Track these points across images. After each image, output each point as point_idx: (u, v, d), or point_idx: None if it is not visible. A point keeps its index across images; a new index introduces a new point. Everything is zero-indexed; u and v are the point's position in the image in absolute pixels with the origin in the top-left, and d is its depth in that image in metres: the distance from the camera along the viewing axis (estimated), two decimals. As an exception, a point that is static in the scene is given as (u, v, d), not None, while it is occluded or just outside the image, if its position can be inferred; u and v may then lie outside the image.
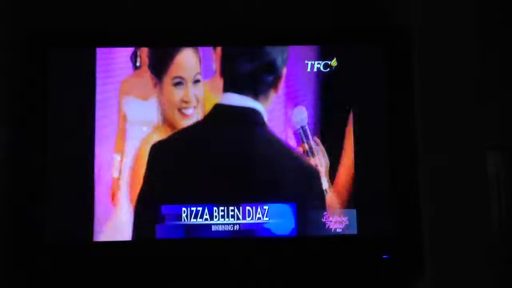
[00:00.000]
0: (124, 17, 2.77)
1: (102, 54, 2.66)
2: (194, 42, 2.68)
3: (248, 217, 2.60)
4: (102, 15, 2.77)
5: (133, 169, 2.58)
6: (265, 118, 2.64)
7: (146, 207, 2.58)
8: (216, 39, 2.70)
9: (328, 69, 2.70)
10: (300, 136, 2.59)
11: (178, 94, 2.63)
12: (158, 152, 2.58)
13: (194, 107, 2.62)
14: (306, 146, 2.56)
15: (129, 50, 2.67)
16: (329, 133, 2.65)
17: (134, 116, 2.62)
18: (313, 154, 2.55)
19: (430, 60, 2.58)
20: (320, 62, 2.71)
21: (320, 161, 2.56)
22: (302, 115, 2.59)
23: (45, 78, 2.63)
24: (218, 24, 2.78)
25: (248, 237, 2.59)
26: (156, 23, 2.77)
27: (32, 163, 2.57)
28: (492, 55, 2.92)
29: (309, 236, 2.60)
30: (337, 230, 2.62)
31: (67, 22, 2.75)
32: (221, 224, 2.59)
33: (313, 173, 2.58)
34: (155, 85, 2.63)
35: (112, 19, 2.77)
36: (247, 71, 2.62)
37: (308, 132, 2.55)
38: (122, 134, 2.57)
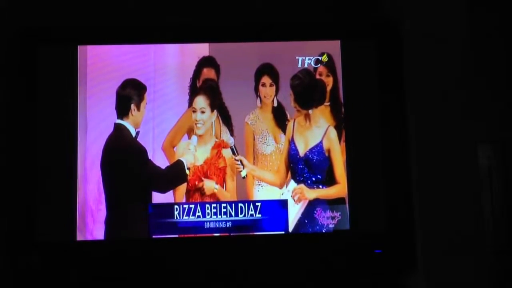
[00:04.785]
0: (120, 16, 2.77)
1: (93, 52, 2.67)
2: (185, 39, 2.71)
3: (241, 213, 2.61)
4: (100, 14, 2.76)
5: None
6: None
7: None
8: (206, 35, 2.71)
9: (319, 65, 2.72)
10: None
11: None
12: None
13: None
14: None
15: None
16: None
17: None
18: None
19: (420, 55, 2.58)
20: (311, 57, 2.72)
21: None
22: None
23: (35, 75, 2.62)
24: (209, 21, 2.77)
25: (241, 234, 2.60)
26: (146, 22, 2.75)
27: (24, 160, 2.58)
28: (484, 49, 2.92)
29: (302, 232, 2.62)
30: (330, 225, 2.63)
31: (59, 21, 2.74)
32: (213, 221, 2.60)
33: None
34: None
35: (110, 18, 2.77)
36: None
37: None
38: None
